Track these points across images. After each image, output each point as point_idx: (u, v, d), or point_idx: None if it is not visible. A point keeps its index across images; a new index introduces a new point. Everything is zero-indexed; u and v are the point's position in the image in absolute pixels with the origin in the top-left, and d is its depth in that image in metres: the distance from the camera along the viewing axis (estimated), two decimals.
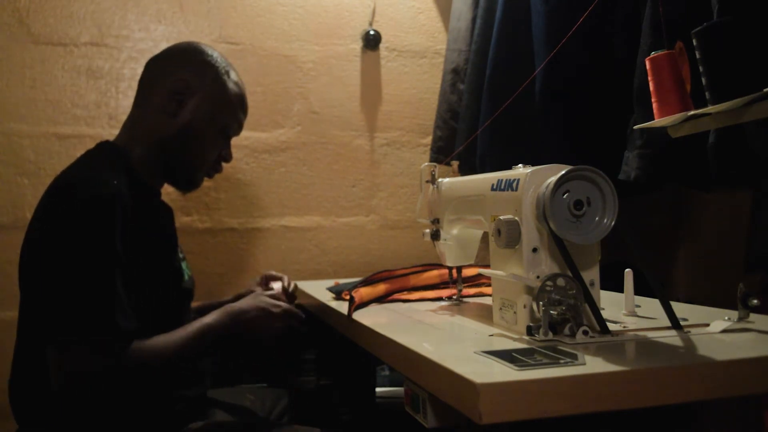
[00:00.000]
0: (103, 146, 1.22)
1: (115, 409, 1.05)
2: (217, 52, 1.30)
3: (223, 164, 1.34)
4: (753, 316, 0.90)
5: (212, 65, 1.26)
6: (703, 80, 0.93)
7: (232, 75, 1.29)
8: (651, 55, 0.99)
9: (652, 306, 1.07)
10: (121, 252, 1.04)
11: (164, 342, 1.08)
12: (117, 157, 1.19)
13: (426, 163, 1.29)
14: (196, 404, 1.23)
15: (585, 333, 0.80)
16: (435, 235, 1.19)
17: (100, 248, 1.02)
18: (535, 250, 0.85)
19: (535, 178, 0.85)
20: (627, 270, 1.02)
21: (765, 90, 0.81)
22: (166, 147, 1.22)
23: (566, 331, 0.80)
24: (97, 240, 1.02)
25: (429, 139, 2.03)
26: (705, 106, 0.93)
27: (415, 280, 1.33)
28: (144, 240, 1.10)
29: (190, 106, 1.23)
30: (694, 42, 0.93)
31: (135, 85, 1.30)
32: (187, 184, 1.30)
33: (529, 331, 0.82)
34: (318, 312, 1.42)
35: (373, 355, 0.99)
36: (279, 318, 1.22)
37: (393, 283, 1.30)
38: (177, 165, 1.26)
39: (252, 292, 1.43)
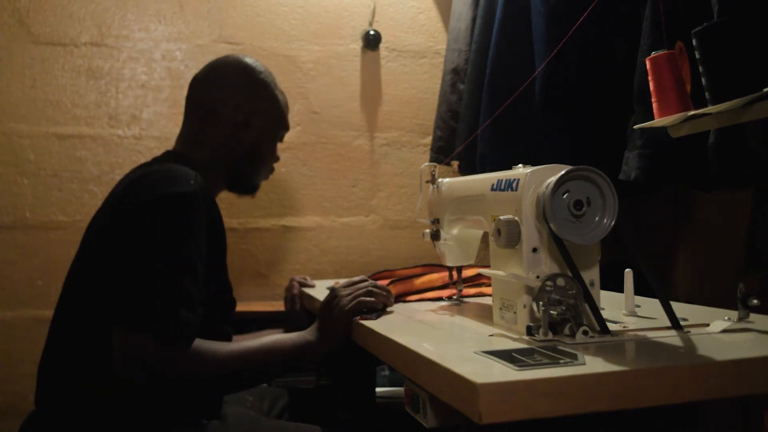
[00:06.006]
0: (171, 153, 1.29)
1: (137, 399, 1.05)
2: (260, 63, 1.37)
3: None
4: (753, 316, 0.90)
5: (267, 84, 1.36)
6: (703, 80, 0.93)
7: (278, 85, 1.40)
8: (651, 55, 0.99)
9: (652, 306, 1.07)
10: (204, 247, 1.08)
11: (228, 348, 1.07)
12: (186, 162, 1.23)
13: (426, 163, 1.29)
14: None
15: (585, 333, 0.80)
16: (435, 235, 1.19)
17: (185, 242, 1.05)
18: (535, 250, 0.85)
19: (535, 178, 0.85)
20: (627, 270, 1.02)
21: (765, 90, 0.81)
22: (236, 163, 1.32)
23: (566, 331, 0.80)
24: (184, 234, 1.06)
25: (429, 139, 2.03)
26: (705, 106, 0.93)
27: (419, 283, 1.32)
28: (211, 242, 1.13)
29: (255, 126, 1.33)
30: (694, 42, 0.93)
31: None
32: (253, 190, 1.42)
33: (529, 331, 0.82)
34: None
35: (373, 355, 0.99)
36: (345, 297, 1.15)
37: (397, 286, 1.29)
38: (247, 177, 1.38)
39: (299, 304, 1.54)
